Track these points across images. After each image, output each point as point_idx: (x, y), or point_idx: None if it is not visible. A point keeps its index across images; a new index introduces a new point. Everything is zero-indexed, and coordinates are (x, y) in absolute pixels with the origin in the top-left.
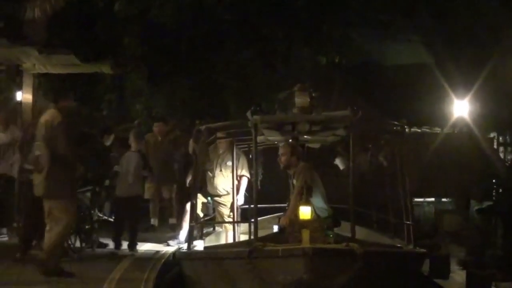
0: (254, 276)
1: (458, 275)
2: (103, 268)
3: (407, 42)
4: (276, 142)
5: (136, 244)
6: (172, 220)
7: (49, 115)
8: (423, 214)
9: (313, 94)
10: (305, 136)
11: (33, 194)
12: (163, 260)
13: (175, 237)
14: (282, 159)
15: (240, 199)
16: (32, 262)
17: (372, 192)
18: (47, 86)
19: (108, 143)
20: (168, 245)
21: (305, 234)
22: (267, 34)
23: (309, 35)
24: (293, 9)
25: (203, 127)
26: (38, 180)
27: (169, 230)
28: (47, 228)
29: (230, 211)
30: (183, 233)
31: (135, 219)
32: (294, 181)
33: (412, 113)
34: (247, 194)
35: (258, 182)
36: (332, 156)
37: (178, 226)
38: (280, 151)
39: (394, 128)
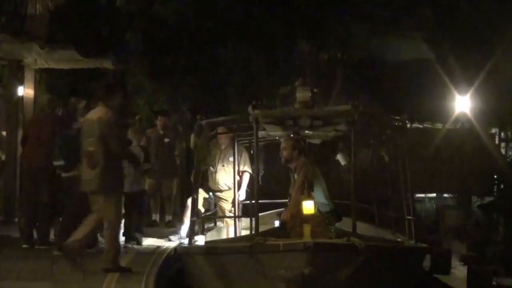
0: (256, 271)
1: (459, 270)
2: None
3: (409, 38)
4: (277, 138)
5: (140, 239)
6: (168, 217)
7: (100, 112)
8: (425, 209)
9: (315, 90)
10: (307, 131)
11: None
12: (164, 255)
13: (176, 232)
14: (284, 153)
15: (242, 195)
16: (34, 256)
17: (374, 187)
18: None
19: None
20: (170, 240)
21: (307, 229)
22: (269, 29)
23: (311, 31)
24: (295, 5)
25: (204, 122)
26: (90, 175)
27: (169, 225)
28: (91, 219)
29: (232, 206)
30: (184, 228)
31: (140, 214)
32: (295, 176)
33: (414, 108)
34: (248, 190)
35: (260, 178)
36: (333, 151)
37: (175, 223)
38: (282, 145)
39: (396, 123)
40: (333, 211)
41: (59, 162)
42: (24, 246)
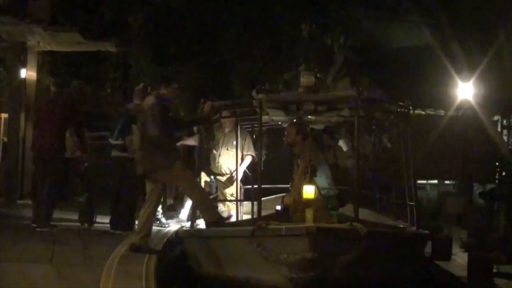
0: (258, 255)
1: (460, 257)
2: (105, 245)
3: (412, 24)
4: (280, 123)
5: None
6: (170, 201)
7: (149, 99)
8: (426, 196)
9: (318, 75)
10: (309, 117)
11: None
12: (166, 239)
13: (175, 215)
14: (288, 138)
15: (239, 174)
16: (35, 238)
17: (376, 173)
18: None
19: None
20: (168, 224)
21: (309, 213)
22: (272, 14)
23: (314, 16)
24: None
25: (207, 104)
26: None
27: (170, 209)
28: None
29: (229, 182)
30: (184, 212)
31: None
32: (299, 161)
33: (416, 95)
34: (248, 172)
35: (262, 163)
36: (333, 137)
37: (176, 207)
38: (286, 130)
39: (399, 109)
40: (337, 196)
41: (117, 142)
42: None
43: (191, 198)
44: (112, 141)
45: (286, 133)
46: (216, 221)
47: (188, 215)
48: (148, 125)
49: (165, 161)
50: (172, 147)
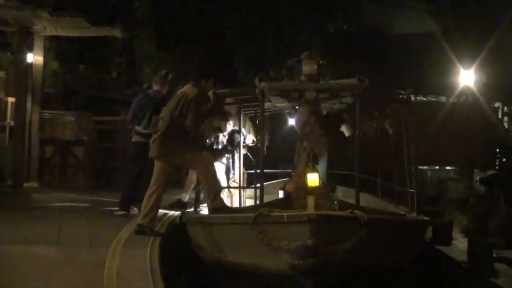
0: (259, 242)
1: (461, 242)
2: (111, 227)
3: (415, 11)
4: (282, 109)
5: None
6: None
7: (186, 88)
8: (427, 182)
9: (321, 62)
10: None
11: None
12: (169, 222)
13: (176, 199)
14: (302, 115)
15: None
16: (42, 221)
17: (378, 159)
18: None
19: None
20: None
21: (310, 201)
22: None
23: (318, 2)
24: None
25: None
26: (152, 141)
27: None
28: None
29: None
30: (185, 196)
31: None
32: (305, 143)
33: (418, 81)
34: (250, 157)
35: (265, 148)
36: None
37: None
38: (300, 108)
39: (400, 96)
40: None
41: (146, 131)
42: None
43: (204, 184)
44: (141, 130)
45: (299, 113)
46: (221, 208)
47: (189, 198)
48: (186, 112)
49: (187, 147)
50: (199, 135)
